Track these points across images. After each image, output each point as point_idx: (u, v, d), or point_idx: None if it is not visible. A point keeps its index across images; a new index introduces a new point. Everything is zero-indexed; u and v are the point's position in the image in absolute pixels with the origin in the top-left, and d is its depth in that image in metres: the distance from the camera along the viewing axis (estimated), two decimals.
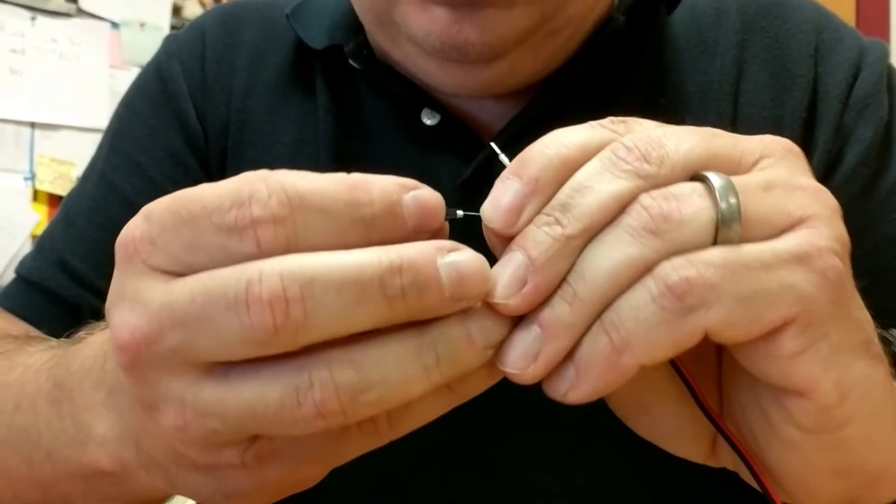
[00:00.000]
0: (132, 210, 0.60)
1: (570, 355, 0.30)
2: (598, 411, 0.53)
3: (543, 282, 0.30)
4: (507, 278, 0.30)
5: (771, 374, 0.32)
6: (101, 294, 0.61)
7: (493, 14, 0.49)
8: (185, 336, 0.28)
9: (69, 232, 0.62)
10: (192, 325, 0.28)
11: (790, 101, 0.56)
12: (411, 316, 0.29)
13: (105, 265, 0.60)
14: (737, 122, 0.56)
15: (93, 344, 0.41)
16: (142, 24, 1.84)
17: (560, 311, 0.30)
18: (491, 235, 0.32)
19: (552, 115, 0.55)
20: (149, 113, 0.64)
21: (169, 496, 0.44)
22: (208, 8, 0.67)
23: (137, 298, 0.29)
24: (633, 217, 0.30)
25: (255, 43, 0.64)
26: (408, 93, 0.57)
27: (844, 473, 0.35)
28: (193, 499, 0.36)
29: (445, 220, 0.31)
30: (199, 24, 0.67)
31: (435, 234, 0.30)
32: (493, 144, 0.35)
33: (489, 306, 0.30)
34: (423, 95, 0.57)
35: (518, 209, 0.31)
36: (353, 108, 0.60)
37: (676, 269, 0.29)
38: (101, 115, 1.68)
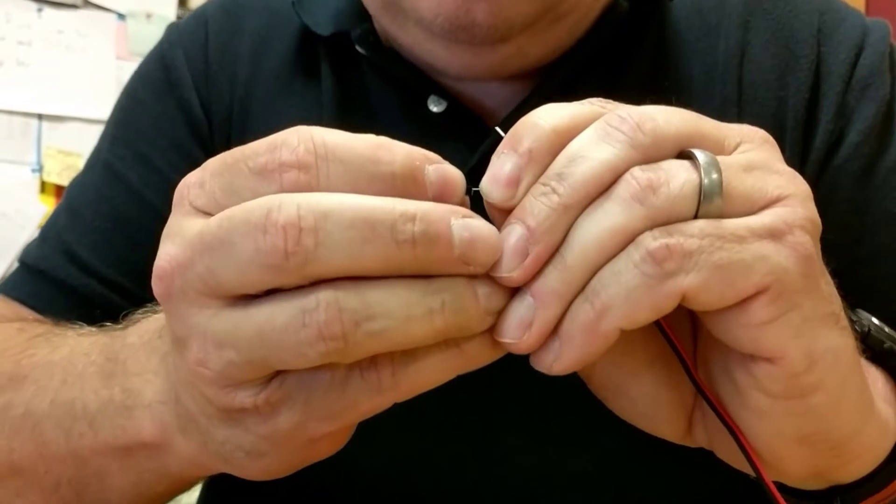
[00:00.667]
0: (138, 200, 0.61)
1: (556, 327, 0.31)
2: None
3: (543, 251, 0.31)
4: (509, 252, 0.31)
5: (743, 341, 0.33)
6: (110, 283, 0.61)
7: None
8: (210, 262, 0.30)
9: (75, 222, 0.62)
10: (217, 250, 0.30)
11: (793, 82, 0.56)
12: (418, 267, 0.30)
13: (113, 255, 0.61)
14: (741, 103, 0.56)
15: (151, 321, 0.43)
16: (148, 15, 1.84)
17: (551, 279, 0.31)
18: (492, 210, 0.32)
19: (557, 100, 0.55)
20: (152, 102, 0.64)
21: (197, 479, 0.45)
22: None
23: (179, 233, 0.32)
24: (623, 187, 0.31)
25: (258, 31, 0.64)
26: (414, 79, 0.57)
27: (811, 441, 0.36)
28: (219, 466, 0.37)
29: (466, 195, 0.32)
30: (201, 12, 0.67)
31: None
32: (498, 129, 0.36)
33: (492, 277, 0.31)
34: (430, 82, 0.57)
35: (515, 181, 0.32)
36: (359, 95, 0.60)
37: (657, 238, 0.30)
38: (108, 106, 1.65)
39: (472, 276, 0.31)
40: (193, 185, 0.32)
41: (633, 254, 0.30)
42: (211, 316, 0.31)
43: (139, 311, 0.46)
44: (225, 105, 0.62)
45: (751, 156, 0.34)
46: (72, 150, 1.69)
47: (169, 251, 0.31)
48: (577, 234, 0.31)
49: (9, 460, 0.46)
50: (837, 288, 0.36)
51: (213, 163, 0.32)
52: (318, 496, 0.55)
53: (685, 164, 0.32)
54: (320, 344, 0.29)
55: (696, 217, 0.31)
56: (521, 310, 0.31)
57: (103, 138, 0.66)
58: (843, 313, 0.35)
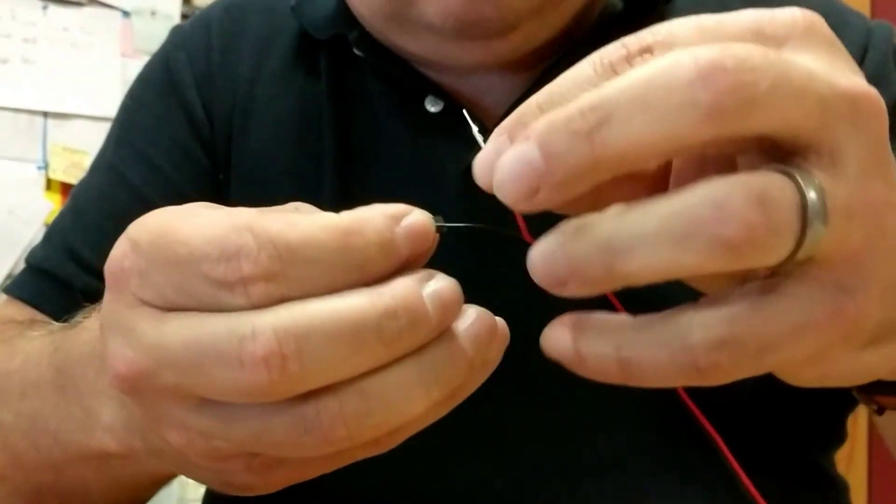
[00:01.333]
0: (141, 199, 0.62)
1: None
2: (613, 393, 0.54)
3: (544, 188, 0.26)
4: (511, 179, 0.26)
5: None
6: None
7: None
8: (179, 378, 0.28)
9: (78, 221, 0.63)
10: (186, 371, 0.28)
11: None
12: (404, 351, 0.29)
13: None
14: None
15: (91, 330, 0.41)
16: (153, 13, 1.85)
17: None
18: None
19: None
20: (155, 103, 0.65)
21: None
22: None
23: (131, 330, 0.29)
24: (720, 227, 0.24)
25: (259, 32, 0.64)
26: (411, 80, 0.58)
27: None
28: (203, 483, 0.37)
29: (437, 233, 0.31)
30: (205, 14, 0.68)
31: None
32: (478, 137, 0.35)
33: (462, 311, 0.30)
34: (427, 82, 0.58)
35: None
36: (358, 96, 0.61)
37: (710, 350, 0.26)
38: (114, 103, 1.66)
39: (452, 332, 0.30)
40: (131, 272, 0.30)
41: (677, 354, 0.26)
42: (189, 410, 0.30)
43: (80, 313, 0.46)
44: (227, 106, 0.63)
45: (848, 184, 0.26)
46: (77, 148, 1.69)
47: (125, 353, 0.29)
48: (635, 238, 0.25)
49: None
50: None
51: (147, 247, 0.29)
52: (318, 489, 0.55)
53: (795, 192, 0.25)
54: (326, 447, 0.29)
55: (788, 260, 0.26)
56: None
57: (108, 139, 0.67)
58: None
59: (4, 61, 1.67)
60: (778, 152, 0.27)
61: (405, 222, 0.29)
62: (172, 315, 0.29)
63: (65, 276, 0.61)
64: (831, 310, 0.26)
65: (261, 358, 0.27)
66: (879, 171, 0.27)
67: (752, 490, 0.35)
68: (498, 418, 0.55)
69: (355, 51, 0.60)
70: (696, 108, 0.24)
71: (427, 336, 0.29)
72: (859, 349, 0.29)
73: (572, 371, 0.28)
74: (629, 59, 0.27)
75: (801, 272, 0.26)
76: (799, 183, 0.25)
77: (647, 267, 0.25)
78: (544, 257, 0.26)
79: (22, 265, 0.65)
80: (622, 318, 0.27)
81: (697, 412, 0.36)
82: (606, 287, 0.26)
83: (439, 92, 0.58)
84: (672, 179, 0.32)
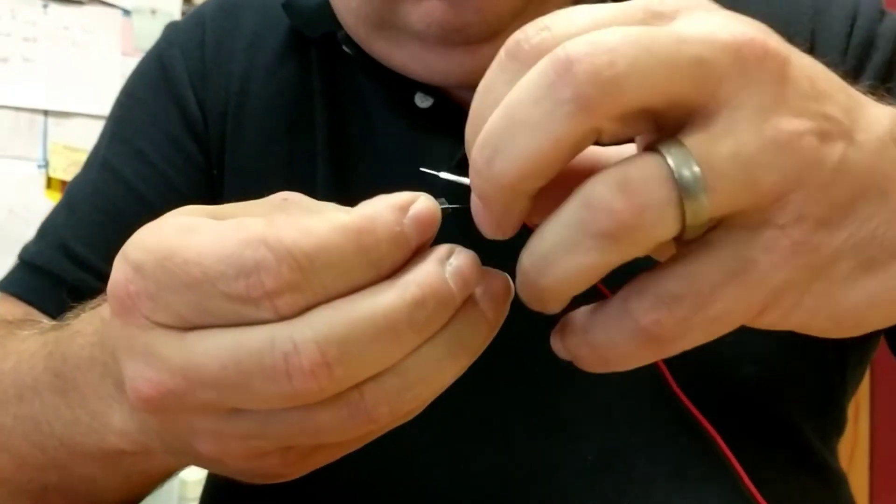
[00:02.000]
0: (133, 194, 0.62)
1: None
2: (608, 388, 0.54)
3: (501, 221, 0.29)
4: (477, 222, 0.30)
5: (761, 328, 0.31)
6: (105, 277, 0.62)
7: None
8: (219, 395, 0.29)
9: (72, 217, 0.63)
10: (227, 389, 0.28)
11: None
12: (434, 332, 0.30)
13: (108, 249, 0.61)
14: None
15: (85, 333, 0.41)
16: (153, 11, 1.85)
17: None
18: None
19: None
20: (149, 99, 0.65)
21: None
22: None
23: (152, 353, 0.29)
24: (592, 217, 0.26)
25: (253, 28, 0.65)
26: (399, 77, 0.58)
27: None
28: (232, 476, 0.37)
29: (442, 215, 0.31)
30: (199, 11, 0.68)
31: None
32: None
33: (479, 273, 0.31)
34: (415, 80, 0.58)
35: None
36: (349, 91, 0.61)
37: (648, 311, 0.28)
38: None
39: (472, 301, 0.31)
40: (140, 296, 0.29)
41: (624, 319, 0.28)
42: (225, 419, 0.30)
43: (70, 314, 0.46)
44: (220, 101, 0.63)
45: (739, 124, 0.27)
46: (78, 146, 1.69)
47: (148, 376, 0.29)
48: (545, 257, 0.27)
49: None
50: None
51: (153, 270, 0.29)
52: (320, 483, 0.55)
53: (660, 168, 0.26)
54: (371, 426, 0.30)
55: (681, 227, 0.27)
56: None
57: (102, 136, 0.67)
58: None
59: (5, 60, 1.68)
60: (669, 124, 0.27)
61: (412, 212, 0.30)
62: (195, 334, 0.29)
63: (59, 271, 0.61)
64: (763, 249, 0.27)
65: (308, 370, 0.27)
66: (786, 108, 0.27)
67: (747, 480, 0.35)
68: (495, 413, 0.55)
69: (344, 48, 0.60)
70: (563, 105, 0.25)
71: (453, 312, 0.30)
72: (852, 279, 0.29)
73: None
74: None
75: (725, 224, 0.27)
76: (663, 156, 0.26)
77: (564, 279, 0.27)
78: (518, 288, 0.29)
79: None
80: (586, 308, 0.29)
81: (691, 405, 0.36)
82: (553, 304, 0.29)
83: (428, 89, 0.58)
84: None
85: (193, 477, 1.35)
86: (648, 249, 0.27)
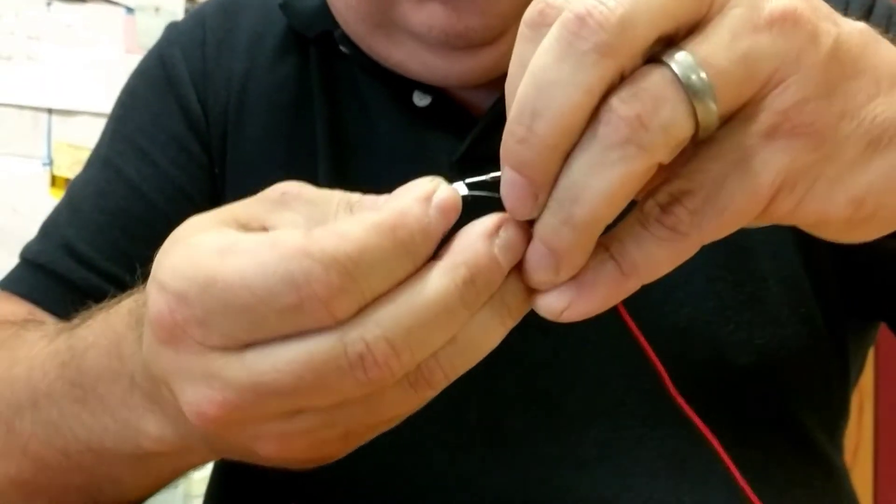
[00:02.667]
0: (136, 194, 0.62)
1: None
2: (610, 384, 0.55)
3: (542, 197, 0.30)
4: (510, 204, 0.30)
5: (781, 222, 0.32)
6: (108, 276, 0.62)
7: None
8: (293, 401, 0.30)
9: (75, 217, 0.63)
10: (304, 394, 0.30)
11: None
12: (483, 303, 0.31)
13: (111, 248, 0.62)
14: None
15: (100, 346, 0.42)
16: (156, 9, 1.85)
17: (565, 236, 0.29)
18: None
19: None
20: (151, 98, 0.65)
21: None
22: None
23: (212, 375, 0.31)
24: (612, 130, 0.28)
25: (253, 27, 0.65)
26: (397, 76, 0.58)
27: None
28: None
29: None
30: (199, 11, 0.68)
31: None
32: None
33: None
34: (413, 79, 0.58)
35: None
36: (348, 89, 0.61)
37: (662, 201, 0.29)
38: None
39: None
40: (188, 323, 0.30)
41: (646, 222, 0.30)
42: (289, 419, 0.32)
43: (75, 319, 0.46)
44: (221, 100, 0.63)
45: (733, 21, 0.29)
46: (82, 144, 1.69)
47: (211, 398, 0.31)
48: (579, 186, 0.29)
49: (7, 477, 0.47)
50: None
51: (199, 297, 0.30)
52: (322, 479, 0.56)
53: (665, 74, 0.28)
54: (430, 394, 0.32)
55: (696, 129, 0.29)
56: (542, 263, 0.30)
57: (104, 135, 0.68)
58: (889, 124, 0.31)
59: (9, 58, 1.68)
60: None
61: (436, 200, 0.31)
62: (255, 352, 0.30)
63: (62, 271, 0.61)
64: (765, 134, 0.29)
65: (382, 362, 0.29)
66: None
67: (742, 482, 0.35)
68: (495, 409, 0.55)
69: (341, 48, 0.60)
70: (587, 56, 0.27)
71: (500, 282, 0.31)
72: (863, 161, 0.31)
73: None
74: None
75: (730, 120, 0.29)
76: (663, 60, 0.28)
77: (597, 199, 0.28)
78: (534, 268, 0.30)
79: None
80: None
81: (684, 403, 0.36)
82: (587, 246, 0.30)
83: (425, 87, 0.58)
84: None
85: (199, 474, 1.36)
86: (672, 151, 0.29)
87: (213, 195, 0.63)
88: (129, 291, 0.44)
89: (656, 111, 0.28)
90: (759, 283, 0.57)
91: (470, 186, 0.33)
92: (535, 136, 0.28)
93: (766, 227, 0.33)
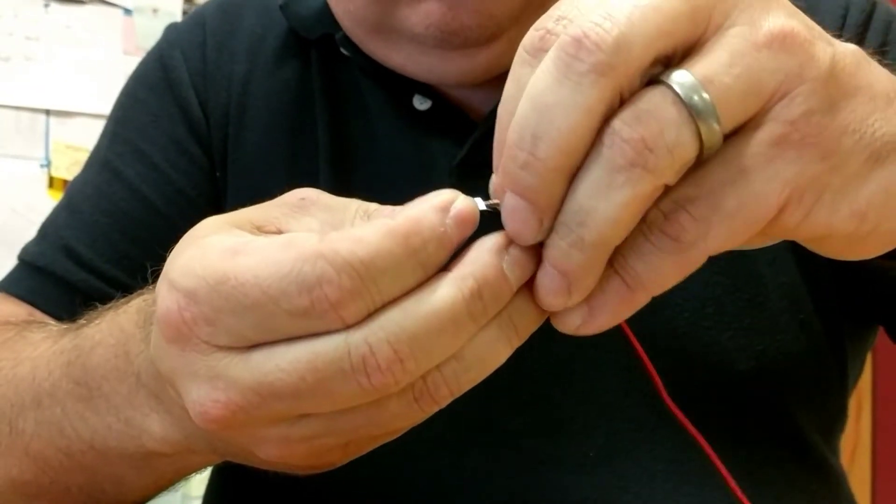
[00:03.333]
0: (135, 196, 0.62)
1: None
2: (609, 385, 0.55)
3: (547, 221, 0.30)
4: (513, 229, 0.30)
5: (786, 237, 0.32)
6: (107, 278, 0.62)
7: None
8: (295, 404, 0.30)
9: (73, 218, 0.63)
10: (306, 397, 0.30)
11: None
12: (489, 318, 0.31)
13: (110, 250, 0.62)
14: None
15: (106, 345, 0.42)
16: (154, 10, 1.85)
17: (575, 259, 0.30)
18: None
19: None
20: (151, 100, 0.65)
21: None
22: None
23: (217, 375, 0.31)
24: (616, 152, 0.28)
25: (253, 29, 0.65)
26: (397, 78, 0.58)
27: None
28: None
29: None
30: (199, 12, 0.68)
31: None
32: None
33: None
34: (413, 82, 0.58)
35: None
36: (349, 91, 0.61)
37: (668, 214, 0.29)
38: None
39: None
40: (197, 321, 0.30)
41: (649, 233, 0.30)
42: (291, 425, 0.32)
43: (81, 318, 0.46)
44: (222, 102, 0.63)
45: (732, 41, 0.29)
46: (80, 145, 1.69)
47: (217, 397, 0.31)
48: (585, 209, 0.29)
49: (8, 477, 0.47)
50: None
51: (208, 295, 0.30)
52: (321, 481, 0.56)
53: (667, 95, 0.28)
54: (434, 406, 0.32)
55: (700, 148, 0.29)
56: (553, 285, 0.30)
57: (103, 137, 0.67)
58: (888, 137, 0.32)
59: (7, 59, 1.68)
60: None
61: (453, 211, 0.31)
62: (261, 352, 0.30)
63: (61, 272, 0.61)
64: (773, 144, 0.29)
65: (385, 368, 0.29)
66: (776, 13, 0.30)
67: (733, 485, 0.35)
68: (495, 411, 0.55)
69: (342, 51, 0.60)
70: (585, 77, 0.28)
71: (508, 299, 0.31)
72: (865, 172, 0.31)
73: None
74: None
75: (736, 133, 0.30)
76: (663, 81, 0.28)
77: (604, 222, 0.28)
78: (544, 291, 0.31)
79: None
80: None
81: (678, 411, 0.36)
82: (597, 268, 0.30)
83: (426, 91, 0.58)
84: None
85: (197, 476, 1.36)
86: (678, 172, 0.29)
87: (214, 197, 0.63)
88: (137, 291, 0.44)
89: (661, 133, 0.28)
90: (759, 289, 0.57)
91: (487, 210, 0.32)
92: (538, 160, 0.28)
93: None
